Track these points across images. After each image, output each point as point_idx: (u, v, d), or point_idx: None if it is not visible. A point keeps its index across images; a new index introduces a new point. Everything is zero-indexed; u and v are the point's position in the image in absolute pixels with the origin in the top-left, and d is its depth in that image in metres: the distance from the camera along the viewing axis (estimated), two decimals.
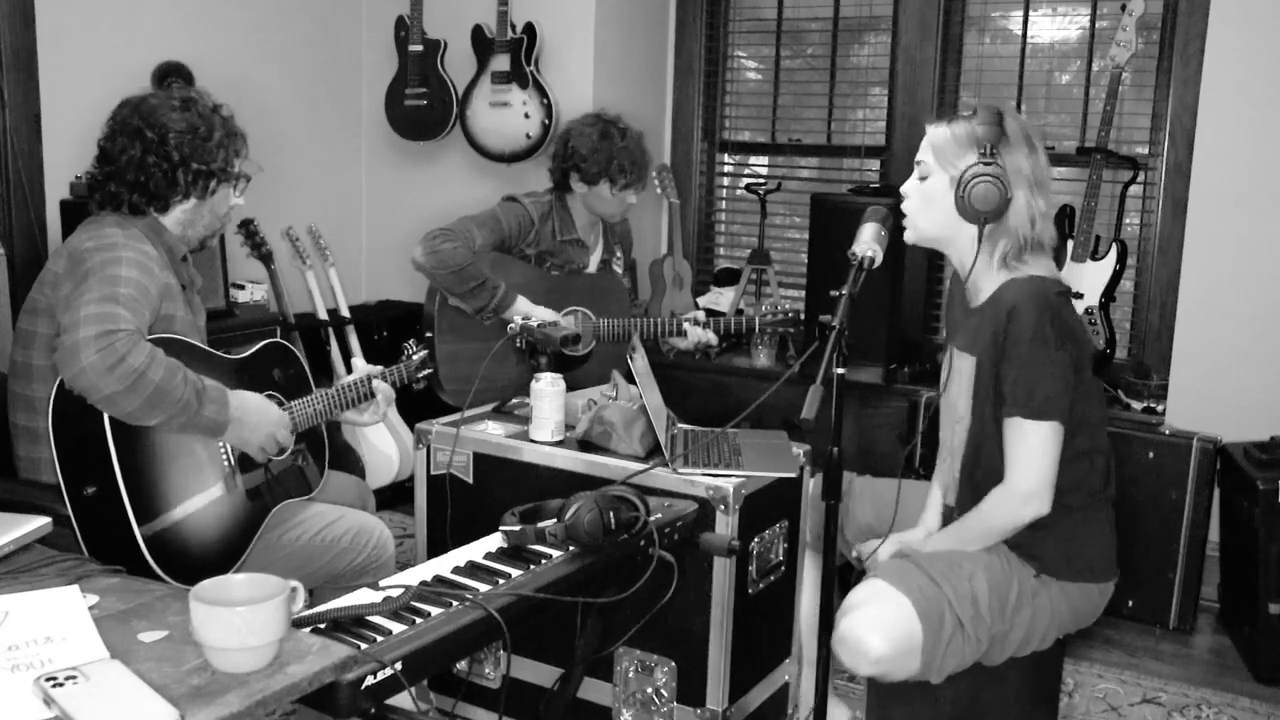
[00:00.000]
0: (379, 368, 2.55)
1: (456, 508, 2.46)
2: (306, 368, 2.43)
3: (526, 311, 3.04)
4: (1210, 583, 3.39)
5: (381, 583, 1.75)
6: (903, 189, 2.22)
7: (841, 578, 2.22)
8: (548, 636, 2.35)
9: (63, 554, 1.74)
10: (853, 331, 1.96)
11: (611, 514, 1.89)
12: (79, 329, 1.88)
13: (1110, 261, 3.58)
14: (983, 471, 2.13)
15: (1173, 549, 3.27)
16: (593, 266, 3.37)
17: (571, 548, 1.89)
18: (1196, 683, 3.03)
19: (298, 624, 1.52)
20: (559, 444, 2.43)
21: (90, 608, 1.50)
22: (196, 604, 1.35)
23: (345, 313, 3.99)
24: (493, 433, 2.50)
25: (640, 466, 2.27)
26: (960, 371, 2.17)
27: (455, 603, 1.66)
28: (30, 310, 2.16)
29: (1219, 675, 3.09)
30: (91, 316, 1.90)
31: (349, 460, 3.73)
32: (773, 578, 2.40)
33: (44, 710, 1.24)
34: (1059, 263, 3.51)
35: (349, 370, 2.60)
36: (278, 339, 2.47)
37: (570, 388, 2.50)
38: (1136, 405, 3.60)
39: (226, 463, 2.15)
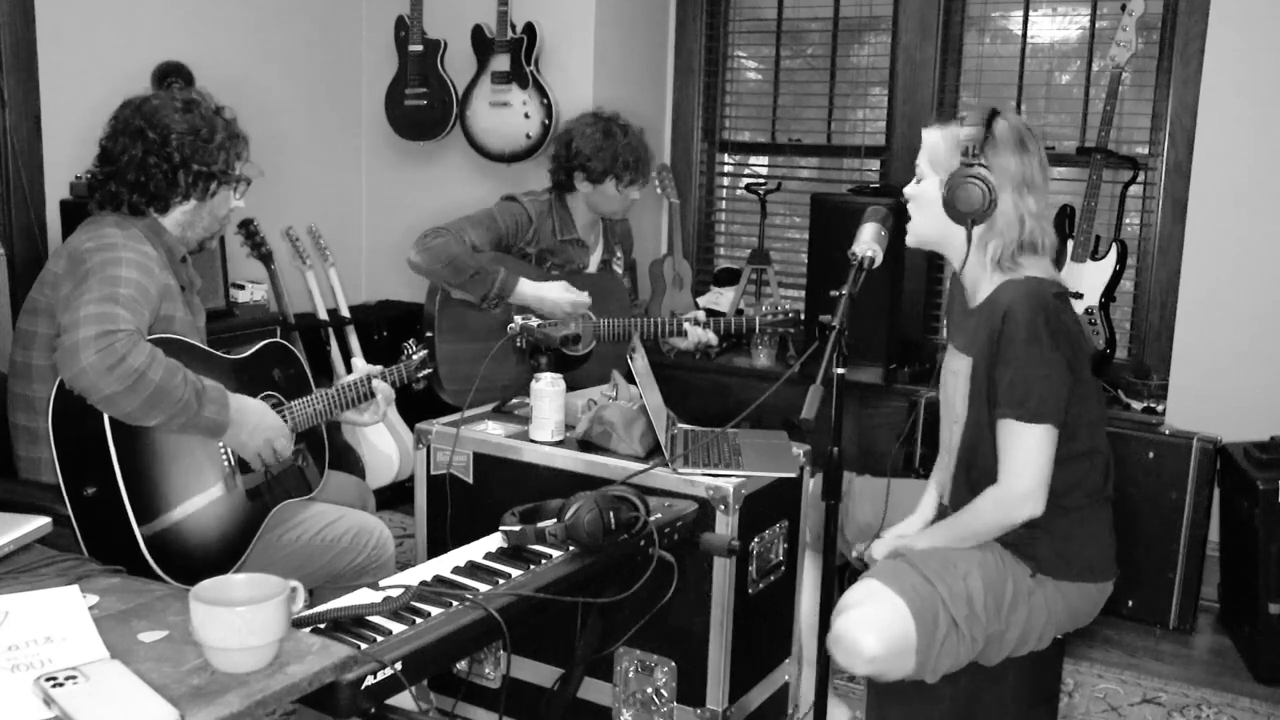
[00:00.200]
0: (379, 368, 2.55)
1: (456, 508, 2.46)
2: (306, 368, 2.43)
3: (533, 293, 3.04)
4: (1210, 583, 3.39)
5: (381, 583, 1.75)
6: (904, 192, 2.23)
7: (841, 577, 2.22)
8: (548, 636, 2.35)
9: (63, 554, 1.74)
10: (853, 331, 1.96)
11: (611, 514, 1.89)
12: (79, 329, 1.89)
13: (1110, 261, 3.58)
14: (979, 471, 2.13)
15: (1173, 549, 3.26)
16: (593, 266, 3.37)
17: (571, 548, 1.90)
18: (1196, 683, 3.03)
19: (298, 624, 1.52)
20: (559, 444, 2.43)
21: (90, 608, 1.50)
22: (196, 604, 1.35)
23: (345, 313, 3.99)
24: (493, 433, 2.50)
25: (640, 466, 2.27)
26: (957, 372, 2.17)
27: (455, 603, 1.66)
28: (30, 310, 2.16)
29: (1219, 675, 3.09)
30: (91, 317, 1.90)
31: (349, 460, 3.73)
32: (773, 578, 2.40)
33: (44, 710, 1.24)
34: (1059, 263, 3.52)
35: (349, 370, 2.60)
36: (278, 339, 2.47)
37: (570, 388, 2.50)
38: (1136, 405, 3.60)
39: (226, 463, 2.15)
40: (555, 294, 3.08)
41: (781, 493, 2.38)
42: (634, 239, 3.62)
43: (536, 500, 2.07)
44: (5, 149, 3.33)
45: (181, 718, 1.23)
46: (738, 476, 2.24)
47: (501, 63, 4.15)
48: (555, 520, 1.89)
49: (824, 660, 2.08)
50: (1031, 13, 4.02)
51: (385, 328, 4.28)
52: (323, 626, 1.56)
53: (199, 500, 2.09)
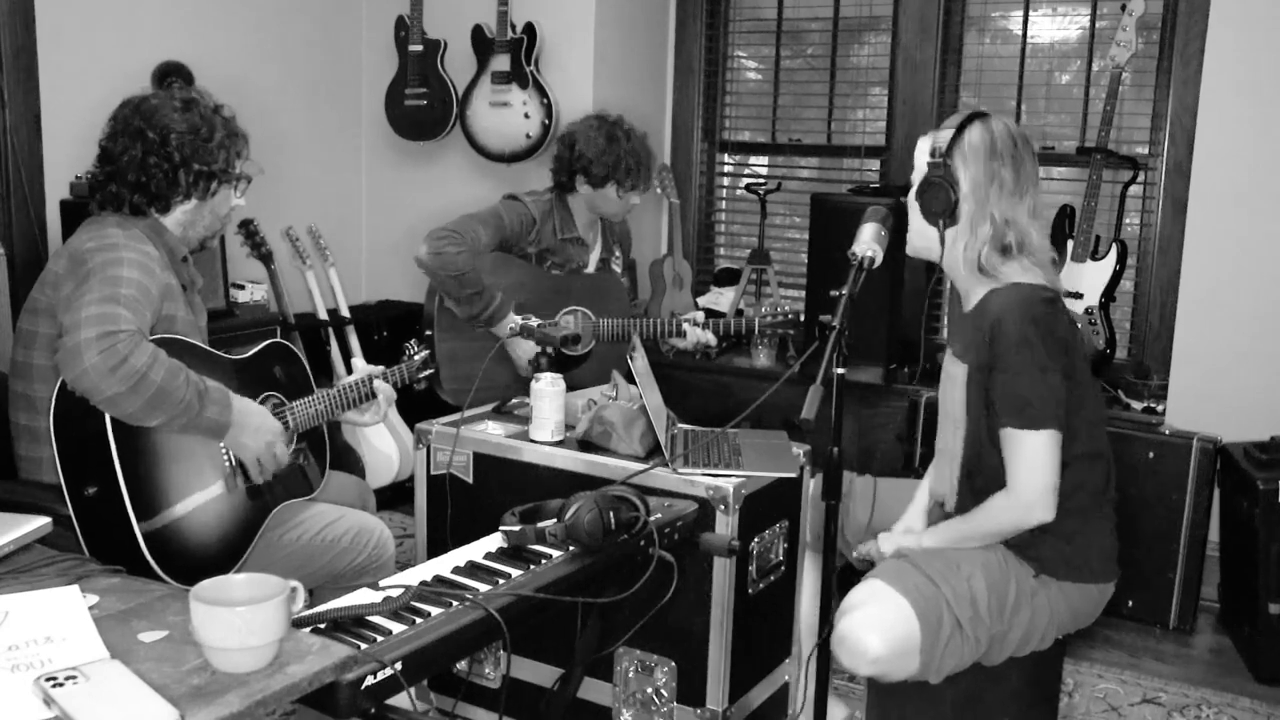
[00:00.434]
0: (379, 368, 2.55)
1: (456, 508, 2.46)
2: (308, 368, 2.43)
3: (518, 324, 3.05)
4: (1210, 583, 3.39)
5: (381, 583, 1.75)
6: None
7: (841, 578, 2.22)
8: (548, 636, 2.35)
9: (63, 554, 1.74)
10: (853, 331, 1.96)
11: (611, 514, 1.89)
12: (80, 330, 1.88)
13: (1110, 261, 3.58)
14: (983, 477, 2.13)
15: (1173, 549, 3.26)
16: (592, 265, 3.37)
17: (571, 548, 1.90)
18: (1196, 683, 3.03)
19: (298, 624, 1.52)
20: (559, 444, 2.43)
21: (90, 608, 1.50)
22: (196, 604, 1.35)
23: (345, 313, 3.99)
24: (493, 433, 2.50)
25: (640, 466, 2.27)
26: (954, 377, 2.18)
27: (455, 603, 1.66)
28: (31, 310, 2.16)
29: (1219, 675, 3.09)
30: (93, 317, 1.90)
31: (349, 460, 3.73)
32: (773, 578, 2.40)
33: (44, 710, 1.24)
34: (1059, 264, 3.51)
35: (349, 370, 2.60)
36: (279, 339, 2.47)
37: (570, 388, 2.50)
38: (1136, 405, 3.60)
39: (227, 463, 2.15)
40: (523, 349, 3.08)
41: (781, 493, 2.38)
42: (633, 239, 3.62)
43: (536, 500, 2.07)
44: (5, 149, 3.33)
45: (181, 718, 1.23)
46: (738, 476, 2.24)
47: (501, 63, 4.15)
48: (555, 520, 1.89)
49: (824, 660, 2.08)
50: (1031, 13, 4.02)
51: (385, 328, 4.28)
52: (323, 626, 1.56)
53: (199, 497, 2.09)
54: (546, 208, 3.25)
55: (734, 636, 2.25)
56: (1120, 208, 3.78)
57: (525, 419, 2.50)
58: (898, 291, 3.86)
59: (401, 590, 1.67)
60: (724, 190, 4.77)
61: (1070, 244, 3.59)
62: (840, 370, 1.96)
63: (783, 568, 2.44)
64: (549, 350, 2.71)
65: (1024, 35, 4.03)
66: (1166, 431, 3.31)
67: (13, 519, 1.75)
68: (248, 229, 3.63)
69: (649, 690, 2.31)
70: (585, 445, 2.42)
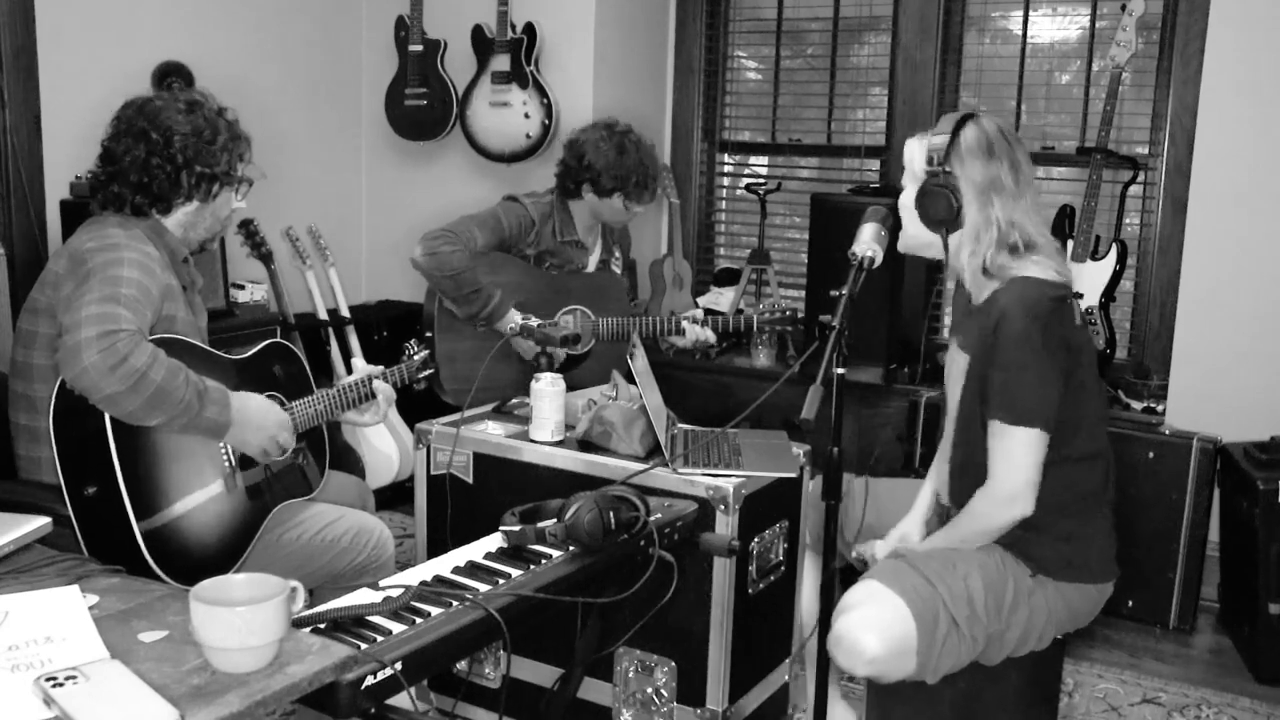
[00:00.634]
0: (379, 368, 2.55)
1: (456, 508, 2.46)
2: (307, 368, 2.43)
3: (518, 324, 3.05)
4: (1210, 583, 3.39)
5: (381, 583, 1.75)
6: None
7: (842, 578, 2.22)
8: (548, 636, 2.35)
9: (63, 554, 1.74)
10: (853, 331, 1.96)
11: (611, 514, 1.89)
12: (81, 329, 1.89)
13: (1110, 261, 3.58)
14: (973, 469, 2.13)
15: (1173, 549, 3.26)
16: (591, 266, 3.37)
17: (571, 548, 1.90)
18: (1196, 683, 3.03)
19: (298, 624, 1.52)
20: (559, 444, 2.43)
21: (90, 608, 1.50)
22: (196, 604, 1.35)
23: (345, 313, 3.99)
24: (493, 433, 2.50)
25: (640, 466, 2.27)
26: (958, 366, 2.18)
27: (455, 603, 1.66)
28: (31, 310, 2.16)
29: (1219, 675, 3.09)
30: (93, 317, 1.90)
31: (349, 460, 3.73)
32: (773, 578, 2.40)
33: (44, 710, 1.24)
34: None
35: (349, 370, 2.60)
36: (278, 339, 2.47)
37: (570, 388, 2.50)
38: (1136, 405, 3.60)
39: (227, 462, 2.15)
40: (524, 347, 3.09)
41: (781, 493, 2.38)
42: (633, 239, 3.62)
43: (536, 500, 2.07)
44: (5, 149, 3.33)
45: (181, 718, 1.23)
46: (738, 476, 2.24)
47: (501, 63, 4.15)
48: (555, 520, 1.90)
49: (824, 660, 2.08)
50: (1031, 13, 4.02)
51: (385, 328, 4.28)
52: (323, 626, 1.56)
53: (199, 497, 2.09)
54: (547, 210, 3.25)
55: (734, 636, 2.25)
56: (1120, 208, 3.78)
57: (525, 419, 2.50)
58: (898, 291, 3.86)
59: (401, 590, 1.68)
60: (724, 190, 4.77)
61: (1070, 244, 3.59)
62: (840, 370, 1.96)
63: (783, 568, 2.44)
64: (549, 350, 2.71)
65: (1024, 35, 4.02)
66: (1166, 431, 3.31)
67: (13, 519, 1.75)
68: (248, 229, 3.63)
69: (649, 690, 2.31)
70: (585, 445, 2.42)
